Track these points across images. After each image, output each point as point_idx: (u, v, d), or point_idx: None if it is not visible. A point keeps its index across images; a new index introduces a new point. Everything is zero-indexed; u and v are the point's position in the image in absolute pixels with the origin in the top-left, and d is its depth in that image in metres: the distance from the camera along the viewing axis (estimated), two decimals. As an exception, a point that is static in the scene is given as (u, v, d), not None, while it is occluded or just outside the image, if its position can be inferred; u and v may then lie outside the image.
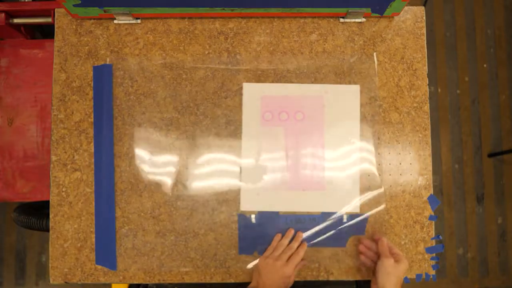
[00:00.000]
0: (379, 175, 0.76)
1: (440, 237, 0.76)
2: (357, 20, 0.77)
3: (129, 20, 0.76)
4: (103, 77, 0.76)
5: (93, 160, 0.75)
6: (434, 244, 0.76)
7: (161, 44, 0.76)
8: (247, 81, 0.76)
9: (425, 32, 0.78)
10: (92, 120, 0.75)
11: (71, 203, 0.74)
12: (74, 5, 0.69)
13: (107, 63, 0.76)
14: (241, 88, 0.76)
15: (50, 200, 0.75)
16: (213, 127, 0.76)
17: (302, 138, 0.76)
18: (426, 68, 0.77)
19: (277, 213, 0.75)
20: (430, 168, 0.76)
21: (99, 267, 0.74)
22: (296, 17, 0.77)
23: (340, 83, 0.76)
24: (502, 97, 1.76)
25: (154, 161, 0.75)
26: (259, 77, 0.76)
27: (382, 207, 0.75)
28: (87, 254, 0.74)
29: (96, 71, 0.76)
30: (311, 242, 0.75)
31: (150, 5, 0.70)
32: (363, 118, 0.76)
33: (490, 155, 1.73)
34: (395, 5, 0.71)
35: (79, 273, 0.74)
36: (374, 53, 0.76)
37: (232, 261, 0.75)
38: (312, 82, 0.76)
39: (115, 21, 0.76)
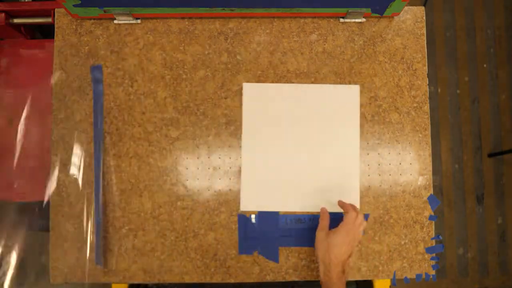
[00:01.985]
0: (379, 175, 0.76)
1: (440, 237, 0.76)
2: (357, 20, 0.77)
3: (129, 20, 0.76)
4: (97, 78, 0.76)
5: (93, 160, 0.75)
6: (434, 244, 0.76)
7: (161, 44, 0.76)
8: (247, 81, 0.76)
9: (425, 32, 0.78)
10: (92, 120, 0.75)
11: (71, 203, 0.74)
12: (74, 5, 0.69)
13: (107, 63, 0.76)
14: (241, 88, 0.76)
15: (50, 200, 0.75)
16: (213, 127, 0.76)
17: (302, 138, 0.76)
18: (426, 68, 0.77)
19: (277, 213, 0.75)
20: (430, 168, 0.76)
21: (99, 267, 0.74)
22: (296, 17, 0.77)
23: (340, 83, 0.76)
24: (502, 97, 1.76)
25: (154, 161, 0.75)
26: (259, 77, 0.76)
27: None
28: (87, 254, 0.74)
29: (92, 71, 0.76)
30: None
31: (150, 5, 0.70)
32: (363, 118, 0.76)
33: (490, 155, 1.73)
34: (395, 5, 0.71)
35: (79, 273, 0.74)
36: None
37: (232, 261, 0.75)
38: (312, 82, 0.76)
39: (115, 21, 0.76)
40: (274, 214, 0.75)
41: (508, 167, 1.74)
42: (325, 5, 0.71)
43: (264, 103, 0.76)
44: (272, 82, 0.76)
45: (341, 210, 0.75)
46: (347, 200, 0.73)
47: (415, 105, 0.77)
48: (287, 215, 0.75)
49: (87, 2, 0.68)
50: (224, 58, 0.76)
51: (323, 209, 0.71)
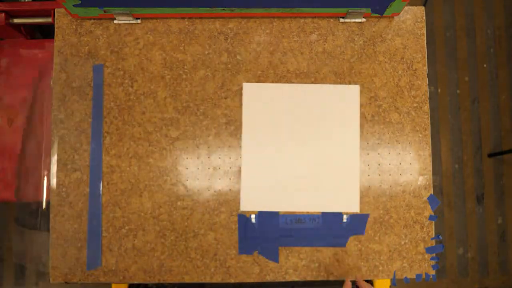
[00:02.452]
0: (379, 175, 0.76)
1: (440, 237, 0.76)
2: (357, 20, 0.77)
3: (129, 20, 0.76)
4: (98, 77, 0.76)
5: (93, 160, 0.75)
6: (434, 244, 0.76)
7: (161, 44, 0.76)
8: (247, 81, 0.76)
9: (425, 32, 0.78)
10: (92, 120, 0.75)
11: (71, 203, 0.74)
12: (74, 5, 0.69)
13: (107, 63, 0.76)
14: (241, 88, 0.76)
15: (50, 200, 0.75)
16: (213, 127, 0.76)
17: (302, 138, 0.76)
18: (426, 68, 0.77)
19: (277, 213, 0.75)
20: (430, 168, 0.76)
21: (99, 267, 0.74)
22: (296, 17, 0.77)
23: (340, 83, 0.76)
24: (502, 97, 1.76)
25: (154, 161, 0.75)
26: (259, 77, 0.76)
27: None
28: (87, 254, 0.74)
29: (93, 71, 0.76)
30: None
31: (150, 5, 0.70)
32: (363, 118, 0.76)
33: (490, 155, 1.73)
34: (395, 5, 0.71)
35: (79, 273, 0.74)
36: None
37: (232, 261, 0.75)
38: (312, 82, 0.76)
39: (115, 21, 0.76)
40: (274, 214, 0.75)
41: (508, 167, 1.74)
42: (325, 5, 0.71)
43: (264, 103, 0.76)
44: (272, 82, 0.76)
45: (340, 211, 0.75)
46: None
47: (415, 105, 0.77)
48: (287, 215, 0.75)
49: (87, 2, 0.68)
50: (224, 58, 0.76)
51: (347, 282, 0.68)
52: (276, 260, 0.75)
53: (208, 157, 0.75)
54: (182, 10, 0.73)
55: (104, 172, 0.75)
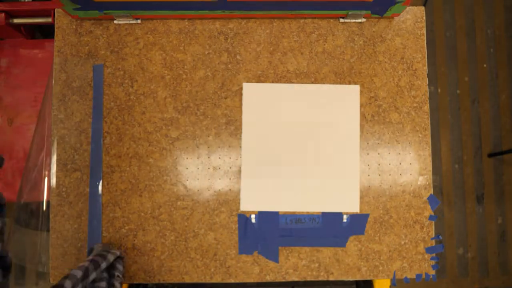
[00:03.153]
0: (379, 175, 0.76)
1: (440, 237, 0.76)
2: (357, 20, 0.77)
3: (129, 20, 0.76)
4: (98, 77, 0.76)
5: (93, 160, 0.75)
6: (434, 244, 0.76)
7: (161, 44, 0.76)
8: (247, 81, 0.76)
9: (425, 32, 0.78)
10: (92, 120, 0.75)
11: (71, 203, 0.75)
12: (74, 9, 0.69)
13: (107, 63, 0.76)
14: (241, 88, 0.76)
15: (50, 200, 0.75)
16: (213, 127, 0.76)
17: (301, 138, 0.76)
18: (426, 68, 0.77)
19: (277, 213, 0.75)
20: (430, 168, 0.76)
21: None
22: (296, 17, 0.77)
23: (340, 83, 0.77)
24: (502, 97, 1.76)
25: (154, 161, 0.75)
26: (259, 77, 0.76)
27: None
28: (87, 254, 0.74)
29: (93, 71, 0.76)
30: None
31: (150, 8, 0.70)
32: (363, 118, 0.76)
33: (490, 155, 1.73)
34: (395, 9, 0.71)
35: (79, 273, 0.74)
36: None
37: (232, 261, 0.75)
38: (312, 82, 0.76)
39: (115, 22, 0.76)
40: (274, 214, 0.75)
41: (508, 167, 1.74)
42: (324, 9, 0.71)
43: (264, 103, 0.76)
44: (272, 82, 0.76)
45: (340, 211, 0.75)
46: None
47: (415, 105, 0.77)
48: (287, 215, 0.75)
49: (87, 6, 0.68)
50: (224, 58, 0.77)
51: None
52: (276, 260, 0.75)
53: (208, 157, 0.76)
54: (182, 12, 0.73)
55: (104, 172, 0.75)
